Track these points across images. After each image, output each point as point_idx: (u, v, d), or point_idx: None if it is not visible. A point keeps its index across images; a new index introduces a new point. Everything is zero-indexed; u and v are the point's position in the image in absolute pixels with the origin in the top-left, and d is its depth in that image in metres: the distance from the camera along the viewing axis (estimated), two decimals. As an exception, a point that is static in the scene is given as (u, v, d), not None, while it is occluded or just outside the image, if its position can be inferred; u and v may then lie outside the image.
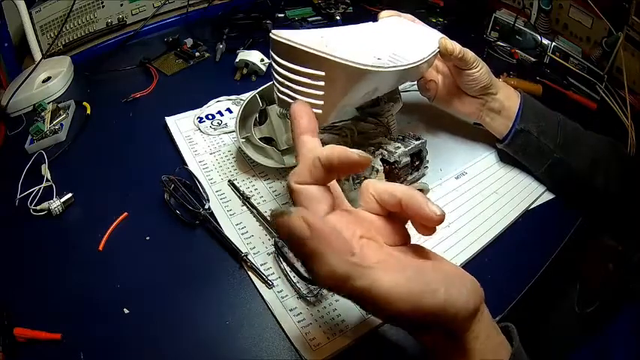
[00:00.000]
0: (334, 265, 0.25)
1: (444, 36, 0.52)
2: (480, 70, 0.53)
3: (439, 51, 0.50)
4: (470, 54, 0.51)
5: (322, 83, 0.37)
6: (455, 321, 0.28)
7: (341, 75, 0.37)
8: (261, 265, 0.47)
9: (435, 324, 0.28)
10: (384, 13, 0.55)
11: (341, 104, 0.41)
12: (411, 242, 0.33)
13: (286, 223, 0.25)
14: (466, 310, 0.28)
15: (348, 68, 0.37)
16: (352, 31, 0.49)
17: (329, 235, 0.26)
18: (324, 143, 0.60)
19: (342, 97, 0.40)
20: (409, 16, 0.55)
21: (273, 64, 0.39)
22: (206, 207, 0.52)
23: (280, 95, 0.40)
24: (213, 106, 0.69)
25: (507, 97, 0.55)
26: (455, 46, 0.50)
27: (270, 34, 0.38)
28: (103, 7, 0.81)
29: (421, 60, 0.46)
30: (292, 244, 0.25)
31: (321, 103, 0.38)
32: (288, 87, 0.39)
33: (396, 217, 0.33)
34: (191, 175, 0.56)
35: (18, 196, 0.53)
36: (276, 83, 0.40)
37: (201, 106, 0.68)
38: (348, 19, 0.94)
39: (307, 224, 0.24)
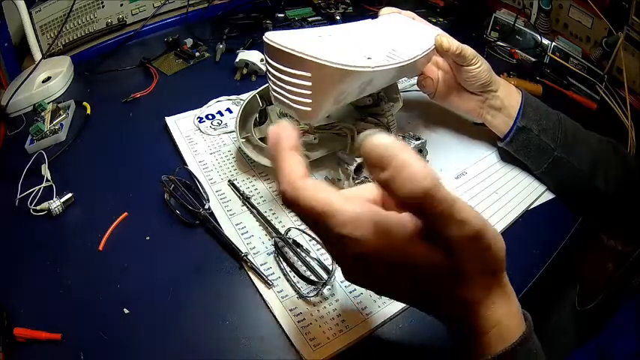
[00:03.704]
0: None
1: (442, 32, 0.52)
2: (480, 66, 0.53)
3: (435, 48, 0.51)
4: (469, 50, 0.51)
5: (309, 83, 0.40)
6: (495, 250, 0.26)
7: (326, 75, 0.39)
8: (261, 265, 0.47)
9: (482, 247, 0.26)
10: (384, 10, 0.55)
11: (330, 103, 0.43)
12: None
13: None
14: (501, 242, 0.27)
15: (331, 69, 0.39)
16: (349, 30, 0.50)
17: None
18: (323, 142, 0.61)
19: (330, 95, 0.42)
20: (409, 13, 0.55)
21: (267, 65, 0.43)
22: (206, 207, 0.52)
23: (274, 94, 0.43)
24: (213, 106, 0.69)
25: (508, 95, 0.55)
26: (452, 43, 0.50)
27: (264, 37, 0.41)
28: (103, 7, 0.81)
29: (414, 57, 0.47)
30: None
31: (310, 101, 0.41)
32: (280, 86, 0.42)
33: None
34: (191, 175, 0.56)
35: (18, 196, 0.53)
36: (270, 83, 0.43)
37: (201, 106, 0.68)
38: (348, 19, 0.94)
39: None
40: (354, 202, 0.26)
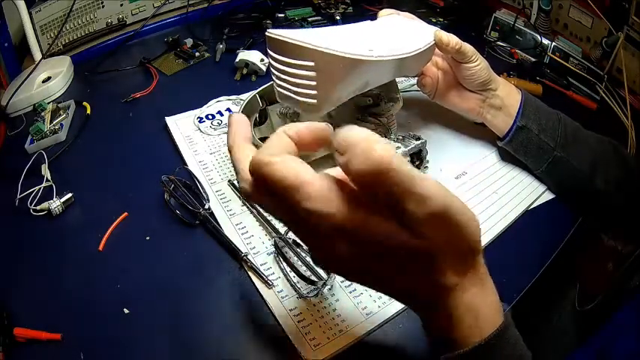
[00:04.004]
0: None
1: (439, 29, 0.52)
2: (479, 64, 0.53)
3: (435, 43, 0.51)
4: (468, 47, 0.52)
5: (314, 74, 0.40)
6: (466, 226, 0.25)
7: (330, 64, 0.40)
8: (261, 265, 0.47)
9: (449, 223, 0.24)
10: (383, 12, 0.55)
11: (335, 95, 0.43)
12: None
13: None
14: (474, 223, 0.25)
15: (335, 57, 0.39)
16: (350, 28, 0.50)
17: None
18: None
19: (334, 87, 0.42)
20: (408, 14, 0.56)
21: (270, 59, 0.42)
22: (206, 207, 0.52)
23: (279, 89, 0.43)
24: (213, 106, 0.69)
25: (508, 94, 0.55)
26: (451, 38, 0.51)
27: (266, 33, 0.41)
28: (103, 7, 0.81)
29: (413, 51, 0.47)
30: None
31: (315, 92, 0.41)
32: (284, 80, 0.42)
33: None
34: (191, 175, 0.56)
35: (18, 196, 0.53)
36: (274, 78, 0.43)
37: (201, 106, 0.68)
38: (348, 19, 0.94)
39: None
40: (326, 178, 0.25)
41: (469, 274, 0.27)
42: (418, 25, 0.55)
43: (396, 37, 0.50)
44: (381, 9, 0.56)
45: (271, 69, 0.44)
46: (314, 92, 0.41)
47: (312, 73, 0.40)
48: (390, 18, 0.55)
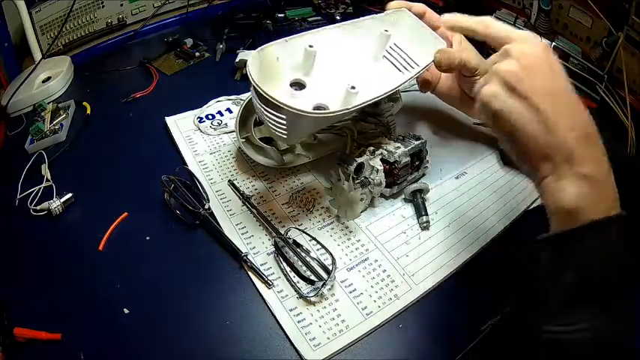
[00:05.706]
0: None
1: (444, 49, 0.47)
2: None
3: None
4: (471, 63, 0.47)
5: (285, 123, 0.43)
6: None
7: (300, 119, 0.43)
8: (261, 265, 0.47)
9: None
10: (392, 4, 0.52)
11: (306, 133, 0.49)
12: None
13: None
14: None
15: (306, 118, 0.43)
16: (345, 37, 0.50)
17: None
18: (323, 142, 0.61)
19: (304, 131, 0.48)
20: (420, 6, 0.52)
21: (251, 88, 0.44)
22: (206, 207, 0.52)
23: (257, 112, 0.46)
24: (213, 106, 0.69)
25: None
26: (452, 61, 0.46)
27: (246, 67, 0.43)
28: (103, 7, 0.81)
29: (403, 82, 0.48)
30: None
31: (286, 133, 0.44)
32: (260, 110, 0.44)
33: None
34: (191, 175, 0.56)
35: (18, 196, 0.53)
36: (254, 101, 0.45)
37: (201, 106, 0.68)
38: (348, 20, 0.93)
39: None
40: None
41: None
42: (425, 35, 0.50)
43: (393, 53, 0.50)
44: (381, 9, 0.55)
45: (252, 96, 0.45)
46: (285, 133, 0.44)
47: (283, 122, 0.43)
48: (398, 16, 0.52)
